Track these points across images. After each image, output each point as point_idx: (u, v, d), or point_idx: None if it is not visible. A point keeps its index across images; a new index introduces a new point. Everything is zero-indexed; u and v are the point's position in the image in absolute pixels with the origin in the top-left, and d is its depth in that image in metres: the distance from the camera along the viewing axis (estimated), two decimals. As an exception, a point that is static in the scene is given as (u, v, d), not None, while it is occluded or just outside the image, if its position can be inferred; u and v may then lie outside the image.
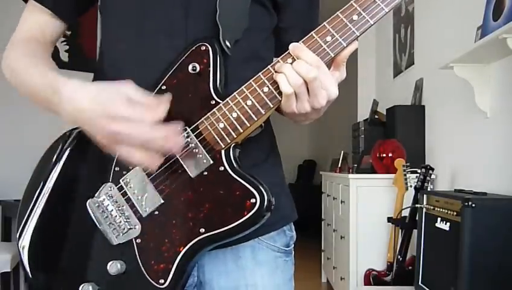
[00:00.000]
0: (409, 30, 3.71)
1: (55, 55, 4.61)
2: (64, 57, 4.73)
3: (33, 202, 0.90)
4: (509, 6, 2.01)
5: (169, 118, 0.83)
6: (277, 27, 0.98)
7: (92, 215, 0.86)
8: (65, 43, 4.73)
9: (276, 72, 0.79)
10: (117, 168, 0.85)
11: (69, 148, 0.91)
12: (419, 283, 2.21)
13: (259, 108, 0.80)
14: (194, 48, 0.85)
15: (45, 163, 0.92)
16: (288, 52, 0.79)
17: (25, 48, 0.93)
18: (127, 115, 0.74)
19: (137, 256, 0.83)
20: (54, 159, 0.91)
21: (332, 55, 0.79)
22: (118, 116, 0.74)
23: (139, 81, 0.87)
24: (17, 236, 0.90)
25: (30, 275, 0.89)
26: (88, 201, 0.87)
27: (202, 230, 0.80)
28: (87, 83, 0.80)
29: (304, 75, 0.76)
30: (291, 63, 0.78)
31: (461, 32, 2.66)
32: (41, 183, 0.90)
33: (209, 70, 0.84)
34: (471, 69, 2.33)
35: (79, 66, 4.46)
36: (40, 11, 0.96)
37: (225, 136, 0.81)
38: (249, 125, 0.81)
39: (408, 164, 2.90)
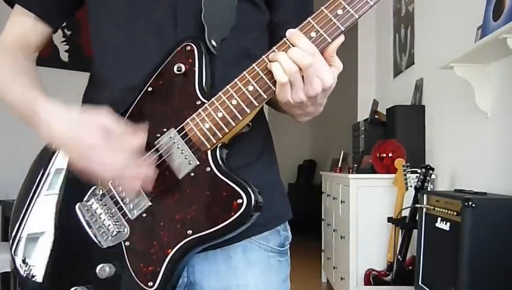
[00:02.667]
0: (409, 30, 3.71)
1: (55, 55, 4.65)
2: (64, 57, 4.73)
3: (25, 208, 0.90)
4: (509, 6, 2.01)
5: (155, 119, 0.84)
6: (271, 22, 0.97)
7: (81, 219, 0.86)
8: (65, 43, 4.73)
9: (270, 61, 0.78)
10: None
11: (58, 153, 0.91)
12: (419, 283, 2.21)
13: (245, 107, 0.80)
14: (179, 48, 0.85)
15: (36, 168, 0.92)
16: (284, 42, 0.78)
17: (9, 58, 0.93)
18: (103, 145, 0.76)
19: (127, 259, 0.83)
20: (45, 164, 0.91)
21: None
22: (95, 146, 0.76)
23: (130, 84, 0.87)
24: (10, 242, 0.90)
25: (23, 280, 0.89)
26: (77, 205, 0.87)
27: (190, 231, 0.80)
28: (66, 109, 0.81)
29: (299, 62, 0.76)
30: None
31: (461, 32, 2.66)
32: (33, 189, 0.90)
33: (195, 71, 0.84)
34: (471, 69, 2.33)
35: (79, 66, 4.46)
36: (26, 16, 0.95)
37: (211, 137, 0.81)
38: (234, 124, 0.80)
39: (408, 164, 2.90)
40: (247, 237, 0.90)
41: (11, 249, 0.90)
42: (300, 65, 0.76)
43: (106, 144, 0.76)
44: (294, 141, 7.44)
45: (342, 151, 4.72)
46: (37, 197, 0.90)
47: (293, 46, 0.77)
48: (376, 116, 3.92)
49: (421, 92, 3.35)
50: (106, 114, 0.78)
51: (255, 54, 0.83)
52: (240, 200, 0.77)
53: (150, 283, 0.81)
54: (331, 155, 5.69)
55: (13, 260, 0.89)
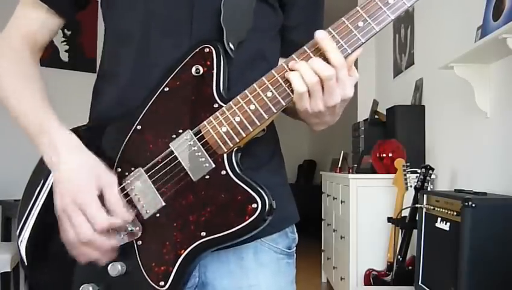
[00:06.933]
0: (409, 30, 3.71)
1: (55, 55, 4.65)
2: (64, 57, 4.72)
3: (33, 200, 0.89)
4: (509, 6, 2.01)
5: (171, 119, 0.84)
6: (282, 25, 0.97)
7: None
8: (65, 43, 4.72)
9: (290, 69, 0.78)
10: (119, 169, 0.85)
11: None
12: (419, 283, 2.21)
13: (263, 113, 0.80)
14: (197, 49, 0.85)
15: (43, 164, 0.89)
16: (304, 50, 0.78)
17: (15, 60, 0.91)
18: (88, 213, 0.79)
19: (138, 258, 0.83)
20: None
21: None
22: (81, 207, 0.79)
23: (142, 81, 0.87)
24: (17, 234, 0.89)
25: (30, 274, 0.89)
26: None
27: (203, 233, 0.80)
28: (79, 147, 0.83)
29: (320, 73, 0.75)
30: (306, 61, 0.77)
31: (461, 32, 2.66)
32: (42, 182, 0.89)
33: (213, 73, 0.84)
34: (471, 69, 2.33)
35: (79, 66, 4.47)
36: (36, 6, 0.92)
37: (228, 141, 0.81)
38: (251, 130, 0.80)
39: (408, 164, 2.90)
40: (258, 237, 0.90)
41: (17, 244, 0.89)
42: (321, 76, 0.75)
43: (96, 210, 0.79)
44: (294, 141, 7.44)
45: (342, 151, 4.72)
46: (45, 191, 0.88)
47: (324, 49, 0.76)
48: (376, 116, 3.92)
49: (421, 92, 3.36)
50: (114, 176, 0.81)
51: (269, 56, 0.83)
52: (254, 205, 0.78)
53: (162, 283, 0.81)
54: (331, 155, 5.69)
55: (20, 255, 0.89)
